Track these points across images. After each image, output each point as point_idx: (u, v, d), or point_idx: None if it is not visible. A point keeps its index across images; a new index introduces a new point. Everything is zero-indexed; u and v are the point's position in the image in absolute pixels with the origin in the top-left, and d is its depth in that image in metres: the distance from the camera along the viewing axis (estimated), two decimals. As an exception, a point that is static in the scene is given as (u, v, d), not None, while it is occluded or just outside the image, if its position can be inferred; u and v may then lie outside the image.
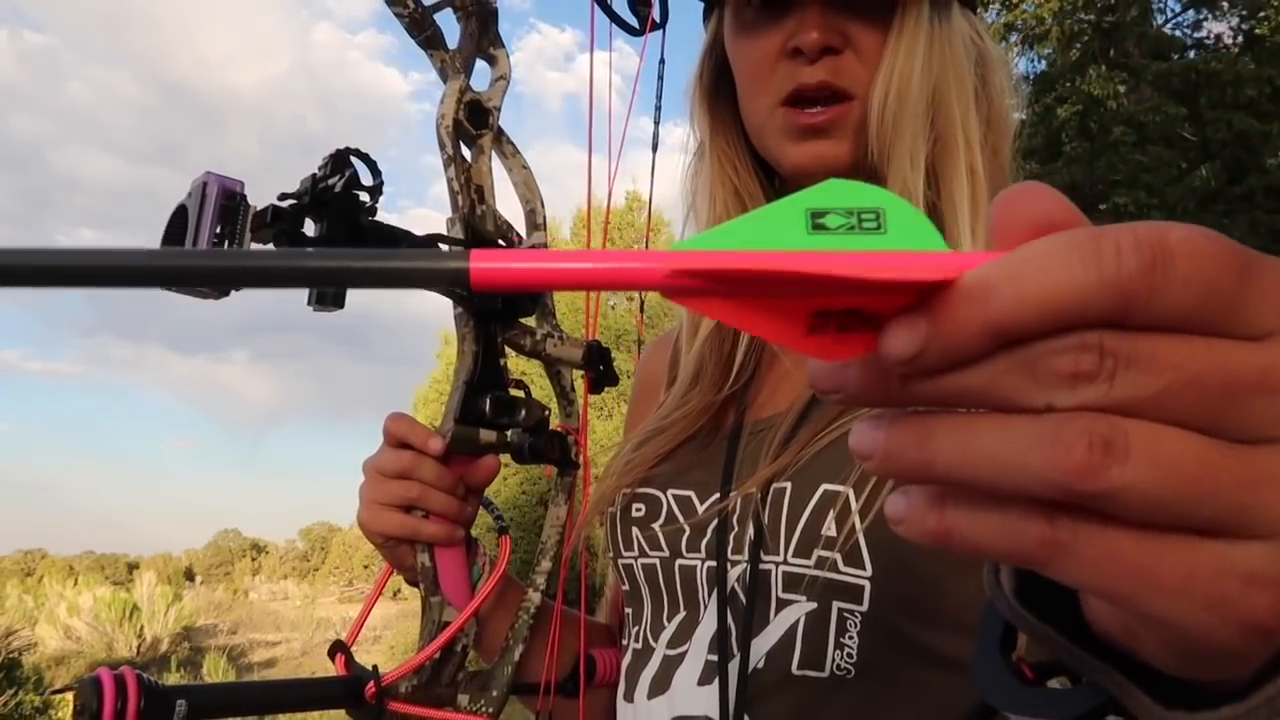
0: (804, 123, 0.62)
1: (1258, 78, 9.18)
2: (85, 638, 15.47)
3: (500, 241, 0.67)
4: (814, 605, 0.55)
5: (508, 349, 0.67)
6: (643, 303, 0.82)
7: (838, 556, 0.54)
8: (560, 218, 19.03)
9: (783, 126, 0.63)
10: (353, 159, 0.60)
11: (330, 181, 0.58)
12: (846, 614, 0.54)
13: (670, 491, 0.65)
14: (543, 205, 0.71)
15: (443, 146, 0.66)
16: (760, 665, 0.56)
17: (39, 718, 7.81)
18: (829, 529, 0.54)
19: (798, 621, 0.55)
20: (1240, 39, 11.23)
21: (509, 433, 0.67)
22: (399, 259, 0.19)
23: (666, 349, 0.79)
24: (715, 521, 0.60)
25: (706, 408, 0.67)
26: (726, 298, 0.20)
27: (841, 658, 0.54)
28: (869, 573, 0.53)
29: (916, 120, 0.60)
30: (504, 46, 0.71)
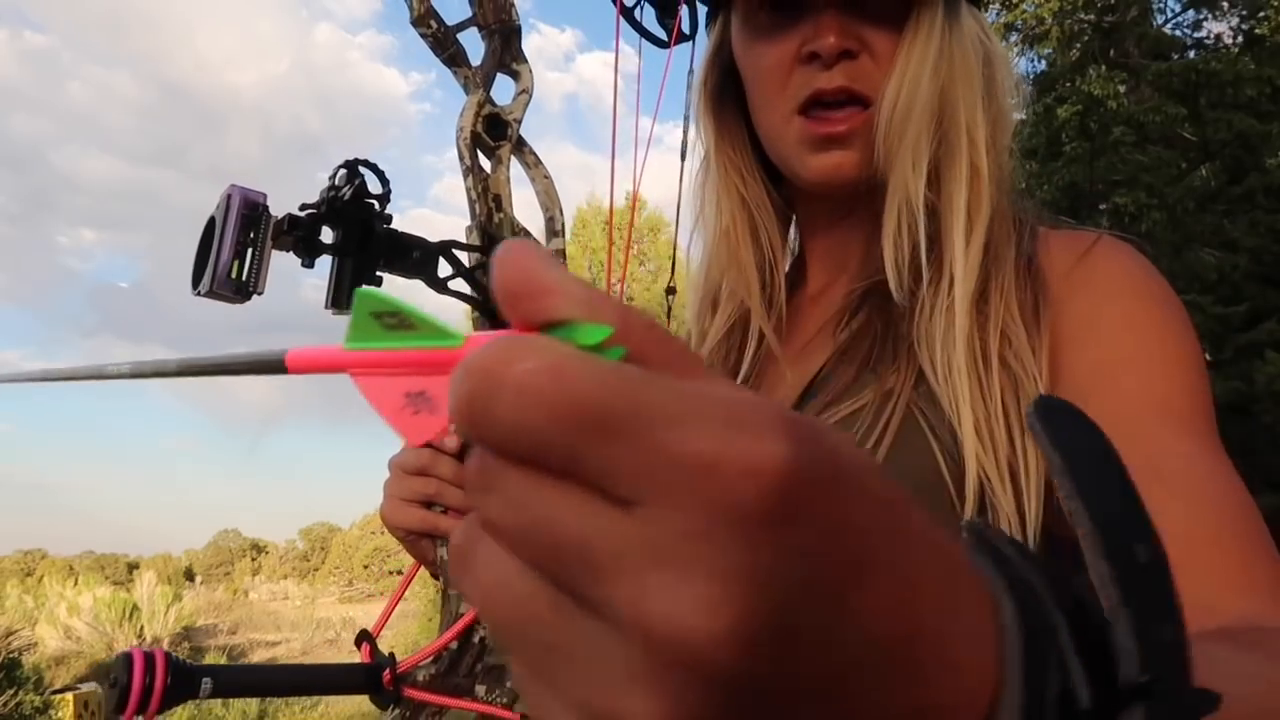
0: (824, 132, 0.61)
1: (1258, 78, 9.17)
2: (85, 638, 15.46)
3: None
4: None
5: None
6: (669, 308, 0.83)
7: None
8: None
9: (800, 137, 0.62)
10: (361, 169, 0.62)
11: (341, 191, 0.60)
12: None
13: None
14: (562, 213, 0.74)
15: (461, 158, 0.69)
16: None
17: (39, 718, 7.81)
18: None
19: None
20: (1240, 39, 11.23)
21: None
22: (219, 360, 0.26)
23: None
24: None
25: None
26: (355, 375, 0.24)
27: None
28: None
29: (923, 123, 0.60)
30: (526, 61, 0.73)
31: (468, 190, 0.68)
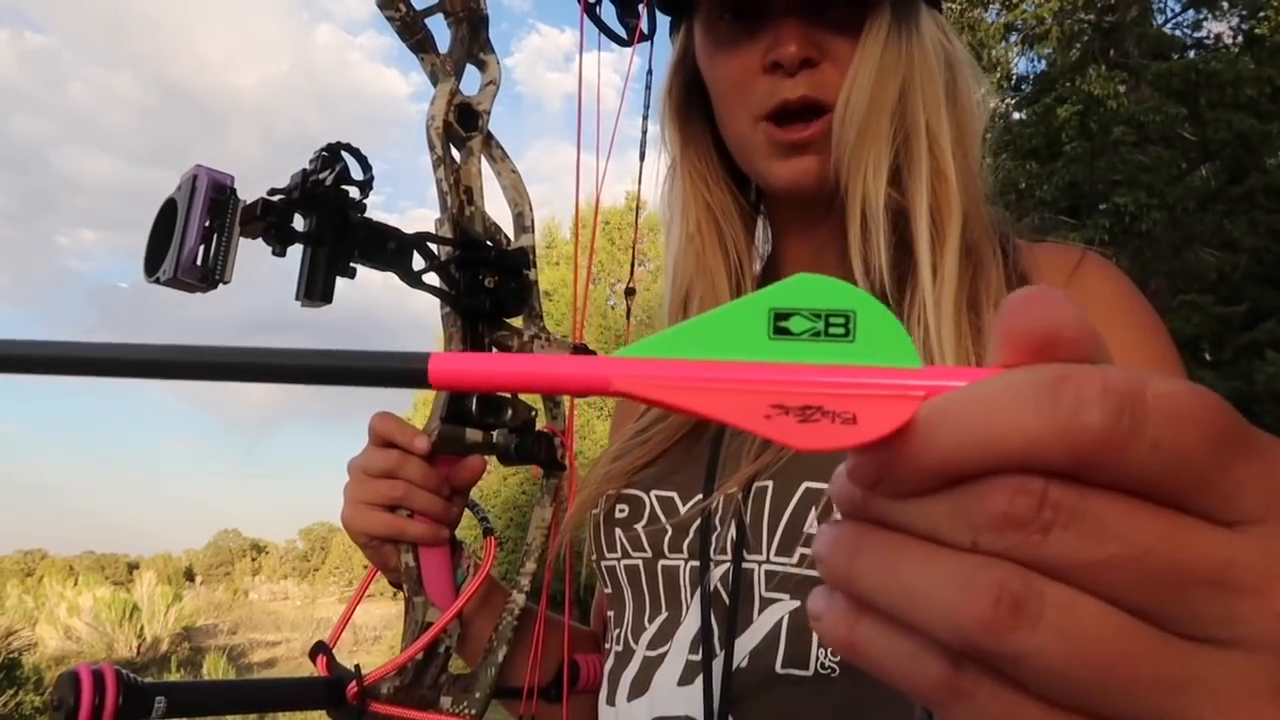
0: (789, 139, 0.62)
1: (1258, 78, 9.17)
2: (85, 638, 15.46)
3: (489, 243, 0.67)
4: (797, 604, 0.55)
5: (495, 350, 0.67)
6: (629, 309, 0.82)
7: None
8: (559, 218, 19.00)
9: (767, 144, 0.63)
10: (344, 153, 0.59)
11: (321, 175, 0.58)
12: None
13: (654, 493, 0.65)
14: (531, 209, 0.71)
15: (432, 147, 0.66)
16: (744, 664, 0.56)
17: (39, 718, 7.81)
18: (811, 527, 0.55)
19: (781, 620, 0.55)
20: (1240, 39, 11.22)
21: (495, 433, 0.66)
22: (360, 360, 0.21)
23: None
24: (698, 522, 0.60)
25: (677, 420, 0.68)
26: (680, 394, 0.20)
27: (826, 656, 0.54)
28: None
29: (880, 127, 0.60)
30: (494, 52, 0.71)
31: (438, 182, 0.66)
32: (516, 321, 0.69)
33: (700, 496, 0.61)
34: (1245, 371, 8.63)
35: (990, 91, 0.66)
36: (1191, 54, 10.99)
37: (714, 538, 0.59)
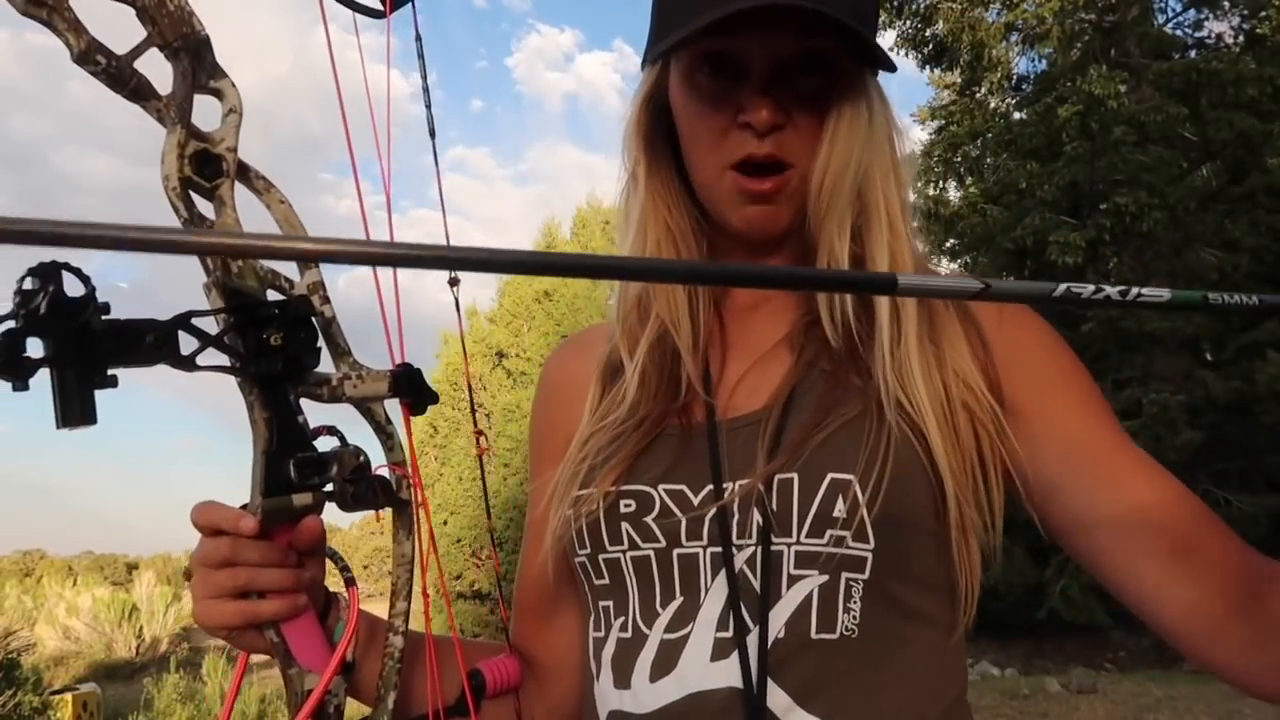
0: (753, 189, 0.69)
1: (1259, 77, 9.16)
2: (84, 638, 15.45)
3: (269, 295, 0.62)
4: (826, 578, 0.63)
5: (305, 401, 0.64)
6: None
7: (846, 534, 0.62)
8: (560, 218, 19.00)
9: (731, 190, 0.69)
10: (59, 269, 0.53)
11: (35, 302, 0.51)
12: (851, 582, 0.63)
13: (661, 487, 0.68)
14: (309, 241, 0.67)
15: (176, 211, 0.60)
16: (780, 635, 0.63)
17: (38, 718, 7.80)
18: (839, 511, 0.62)
19: (811, 593, 0.63)
20: (1241, 38, 11.21)
21: (327, 487, 0.64)
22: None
23: (587, 351, 0.81)
24: (713, 511, 0.65)
25: (668, 410, 0.71)
26: None
27: (849, 620, 0.63)
28: (872, 545, 0.62)
29: (848, 193, 0.69)
30: (226, 76, 0.63)
31: None
32: (324, 368, 0.66)
33: (712, 488, 0.66)
34: (1246, 371, 8.62)
35: (913, 158, 0.76)
36: (1192, 54, 10.98)
37: (734, 524, 0.64)
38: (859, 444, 0.63)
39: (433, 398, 0.68)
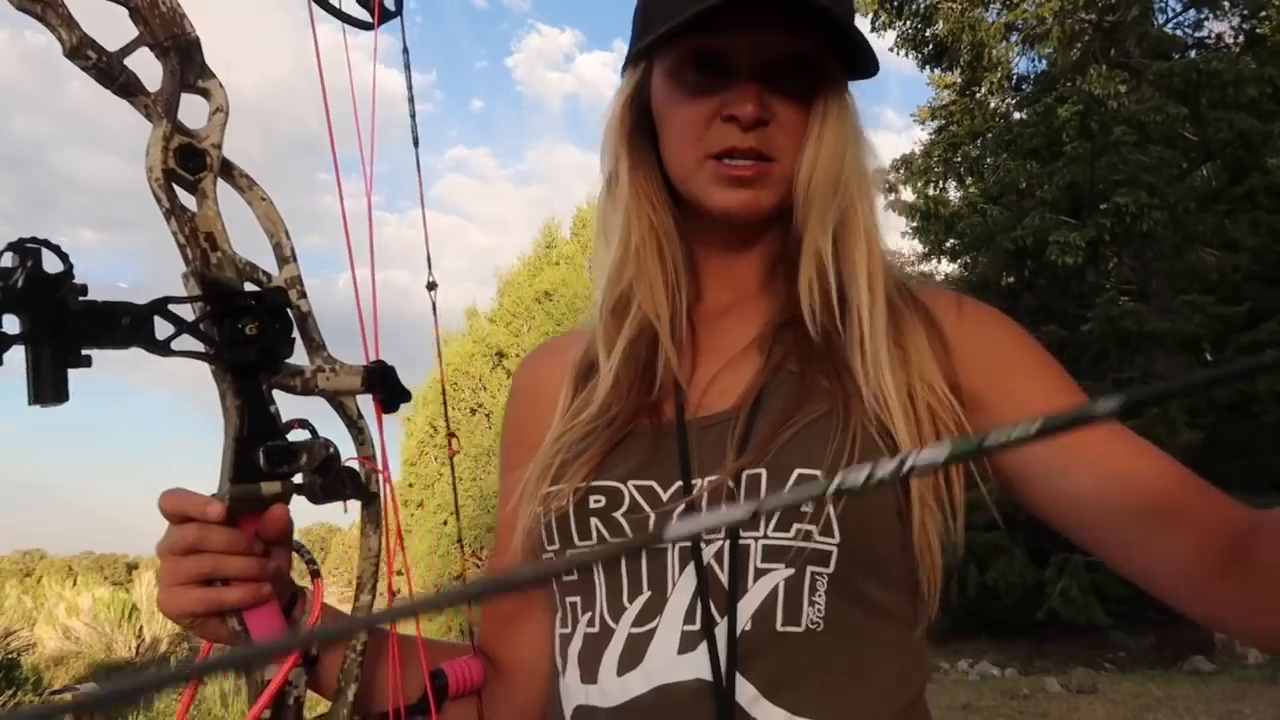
0: (733, 174, 0.71)
1: (1259, 77, 9.16)
2: (84, 638, 15.45)
3: (246, 286, 0.63)
4: (791, 571, 0.64)
5: (277, 392, 0.65)
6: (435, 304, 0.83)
7: (813, 528, 0.64)
8: (560, 218, 19.00)
9: (712, 175, 0.71)
10: (32, 246, 0.54)
11: (13, 278, 0.53)
12: (817, 576, 0.64)
13: (631, 483, 0.69)
14: (288, 237, 0.67)
15: (158, 201, 0.61)
16: (747, 628, 0.64)
17: (38, 718, 7.79)
18: (807, 506, 0.64)
19: (778, 586, 0.64)
20: (1241, 38, 11.21)
21: (296, 478, 0.64)
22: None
23: (558, 357, 0.82)
24: (682, 507, 0.67)
25: (640, 409, 0.72)
26: None
27: (814, 614, 0.64)
28: (837, 540, 0.64)
29: (830, 193, 0.72)
30: (215, 77, 0.65)
31: (174, 235, 0.61)
32: (298, 359, 0.66)
33: (681, 484, 0.68)
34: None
35: (881, 172, 0.79)
36: (1192, 54, 10.98)
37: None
38: (825, 441, 0.66)
39: (405, 395, 0.68)
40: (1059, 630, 9.30)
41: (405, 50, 0.77)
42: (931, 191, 12.05)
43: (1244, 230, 9.61)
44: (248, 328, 0.61)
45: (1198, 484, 0.66)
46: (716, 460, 0.68)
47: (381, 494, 0.68)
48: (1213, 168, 9.57)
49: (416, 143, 0.80)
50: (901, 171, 12.49)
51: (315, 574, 0.70)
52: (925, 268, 17.64)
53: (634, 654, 0.66)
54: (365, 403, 0.69)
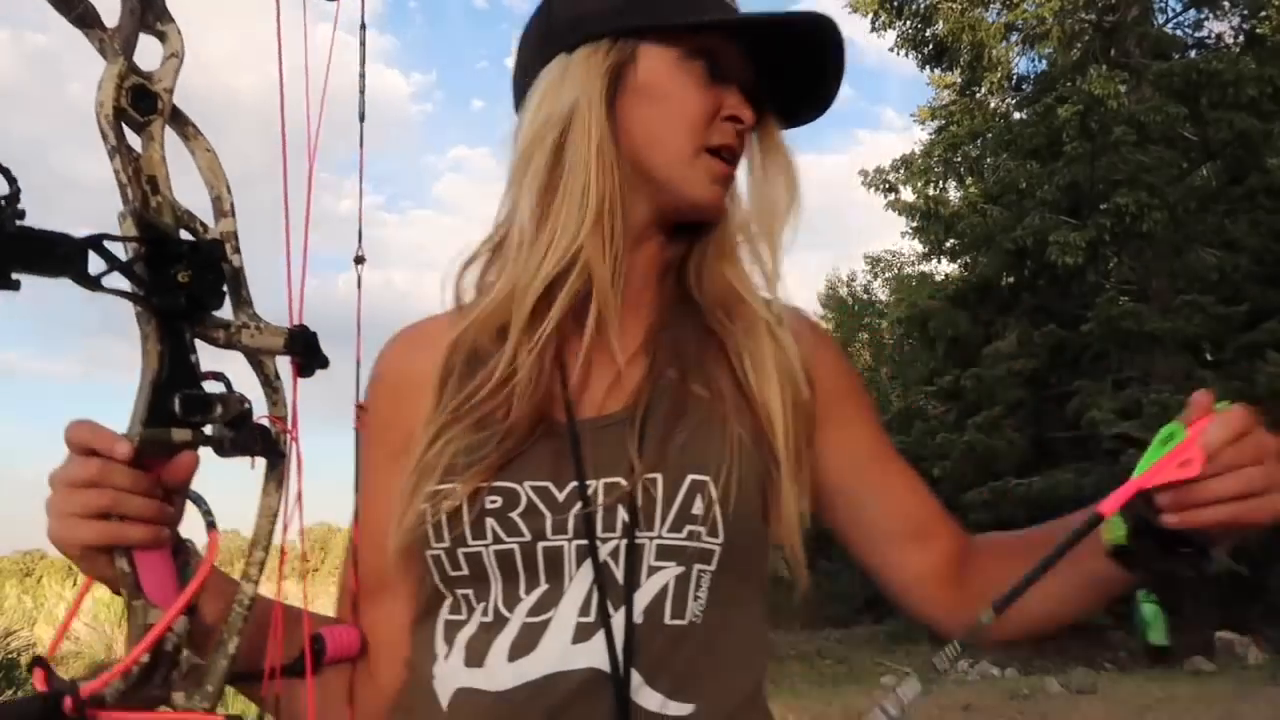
0: (722, 171, 0.77)
1: (1259, 77, 9.17)
2: (84, 638, 15.46)
3: (181, 235, 0.63)
4: (681, 569, 0.70)
5: (198, 343, 0.64)
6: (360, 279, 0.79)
7: (702, 529, 0.70)
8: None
9: (706, 167, 0.76)
10: None
11: None
12: (701, 573, 0.70)
13: (527, 484, 0.71)
14: (229, 191, 0.67)
15: (105, 137, 0.61)
16: (639, 620, 0.69)
17: (38, 718, 7.81)
18: (698, 509, 0.70)
19: (668, 583, 0.69)
20: (1241, 38, 11.21)
21: (206, 429, 0.64)
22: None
23: (427, 347, 0.79)
24: (578, 507, 0.70)
25: (537, 411, 0.73)
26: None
27: (696, 608, 0.70)
28: (721, 540, 0.70)
29: (764, 214, 0.80)
30: (174, 21, 0.65)
31: (116, 173, 0.60)
32: (223, 313, 0.65)
33: (576, 485, 0.70)
34: (1246, 372, 8.62)
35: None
36: (1192, 54, 10.98)
37: (599, 520, 0.69)
38: (713, 447, 0.71)
39: (323, 362, 0.68)
40: (1059, 630, 9.30)
41: (363, 26, 0.76)
42: (931, 191, 12.06)
43: (1244, 230, 9.61)
44: (180, 274, 0.61)
45: (943, 511, 0.83)
46: (611, 462, 0.71)
47: (289, 455, 0.67)
48: (1213, 168, 9.57)
49: (363, 117, 0.78)
50: (901, 171, 12.49)
51: (211, 525, 0.68)
52: (925, 268, 17.65)
53: (527, 642, 0.69)
54: (283, 368, 0.69)
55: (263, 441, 0.65)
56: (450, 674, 0.72)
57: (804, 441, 0.76)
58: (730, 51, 0.76)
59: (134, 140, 0.63)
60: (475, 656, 0.71)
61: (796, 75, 0.79)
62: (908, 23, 11.80)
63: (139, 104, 0.62)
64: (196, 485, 0.67)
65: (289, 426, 0.67)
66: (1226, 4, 11.14)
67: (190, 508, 0.69)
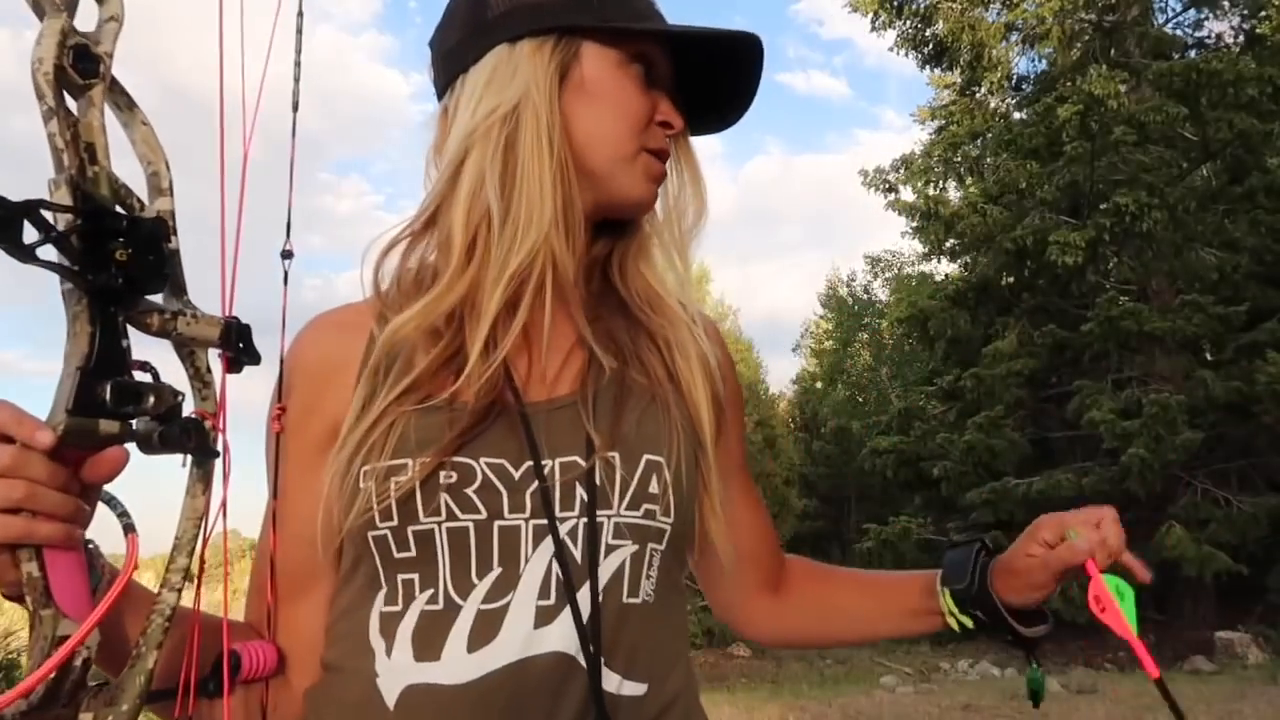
0: (657, 171, 0.80)
1: (1259, 77, 9.17)
2: (85, 638, 15.47)
3: (118, 208, 0.59)
4: (636, 548, 0.71)
5: (131, 330, 0.59)
6: (286, 274, 0.76)
7: (657, 509, 0.71)
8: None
9: (645, 167, 0.78)
10: None
11: None
12: (654, 552, 0.71)
13: (482, 460, 0.69)
14: (168, 167, 0.62)
15: (41, 97, 0.56)
16: (601, 599, 0.69)
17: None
18: (654, 488, 0.71)
19: (624, 561, 0.70)
20: (1241, 38, 11.22)
21: (135, 422, 0.58)
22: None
23: (349, 333, 0.76)
24: (534, 485, 0.69)
25: (491, 393, 0.71)
26: None
27: (649, 586, 0.72)
28: (671, 519, 0.72)
29: (684, 215, 0.84)
30: None
31: (52, 138, 0.55)
32: (157, 298, 0.61)
33: (531, 464, 0.69)
34: (1246, 372, 8.62)
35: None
36: (1192, 53, 10.98)
37: (556, 498, 0.69)
38: (662, 430, 0.74)
39: (255, 359, 0.64)
40: (1059, 630, 9.27)
41: (300, 14, 0.74)
42: (931, 191, 12.06)
43: (1244, 230, 9.62)
44: (118, 252, 0.56)
45: (774, 536, 0.94)
46: (565, 443, 0.71)
47: (222, 455, 0.63)
48: (1213, 168, 9.58)
49: (296, 107, 0.78)
50: (901, 171, 12.50)
51: (129, 528, 0.63)
52: (925, 268, 17.65)
53: (486, 630, 0.67)
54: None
55: (196, 438, 0.60)
56: (396, 670, 0.68)
57: (718, 433, 0.79)
58: (661, 59, 0.79)
59: (72, 105, 0.58)
60: (427, 649, 0.67)
61: (710, 88, 0.83)
62: (908, 22, 11.80)
63: (80, 65, 0.57)
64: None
65: (220, 424, 0.62)
66: (1226, 4, 11.14)
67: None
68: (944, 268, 14.17)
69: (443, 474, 0.68)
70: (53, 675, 0.54)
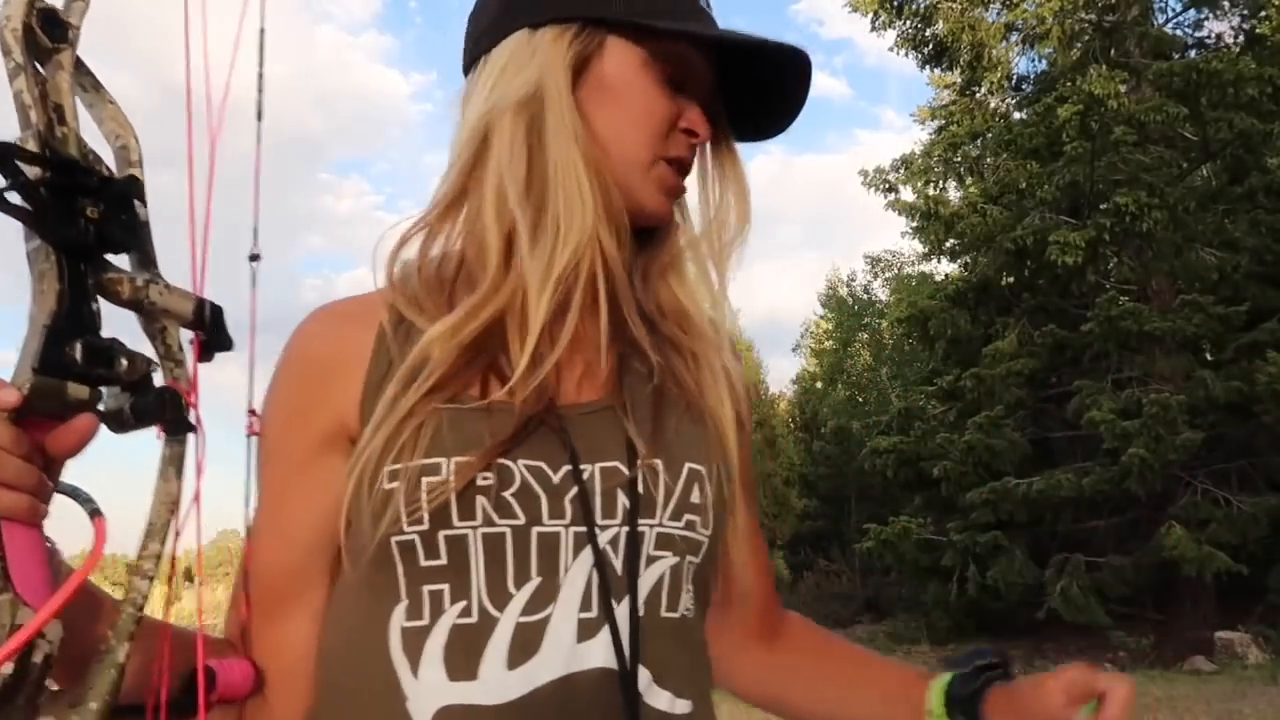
0: (674, 183, 0.75)
1: (1259, 77, 9.16)
2: None
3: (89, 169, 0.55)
4: (676, 560, 0.68)
5: (101, 296, 0.55)
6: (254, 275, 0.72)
7: (698, 519, 0.68)
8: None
9: (660, 176, 0.74)
10: None
11: None
12: (691, 564, 0.69)
13: (521, 462, 0.64)
14: (137, 141, 0.60)
15: (8, 52, 0.52)
16: (642, 613, 0.66)
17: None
18: (696, 498, 0.69)
19: (664, 574, 0.67)
20: (1241, 38, 11.22)
21: (105, 395, 0.54)
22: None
23: (359, 325, 0.71)
24: (574, 491, 0.65)
25: (539, 398, 0.66)
26: None
27: (688, 600, 0.69)
28: (710, 533, 0.69)
29: (719, 231, 0.80)
30: None
31: (18, 95, 0.52)
32: (126, 266, 0.58)
33: (570, 468, 0.65)
34: (1246, 371, 8.62)
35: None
36: (1192, 53, 10.98)
37: (597, 505, 0.65)
38: (701, 439, 0.71)
39: (227, 344, 0.61)
40: (1059, 630, 9.30)
41: (262, 31, 0.72)
42: (931, 191, 12.06)
43: (1244, 230, 9.62)
44: (88, 209, 0.53)
45: (773, 580, 0.89)
46: (603, 448, 0.67)
47: (198, 445, 0.59)
48: (1213, 167, 9.58)
49: (260, 115, 0.76)
50: (901, 171, 12.50)
51: (95, 513, 0.57)
52: (925, 268, 17.64)
53: (528, 644, 0.62)
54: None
55: (172, 410, 0.56)
56: (427, 691, 0.62)
57: (741, 452, 0.76)
58: (696, 61, 0.74)
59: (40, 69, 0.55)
60: (462, 668, 0.62)
61: (753, 98, 0.78)
62: (908, 22, 11.80)
63: (48, 28, 0.55)
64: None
65: (193, 400, 0.58)
66: (1226, 4, 11.14)
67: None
68: (944, 268, 14.16)
69: (480, 477, 0.63)
70: (9, 671, 0.48)
